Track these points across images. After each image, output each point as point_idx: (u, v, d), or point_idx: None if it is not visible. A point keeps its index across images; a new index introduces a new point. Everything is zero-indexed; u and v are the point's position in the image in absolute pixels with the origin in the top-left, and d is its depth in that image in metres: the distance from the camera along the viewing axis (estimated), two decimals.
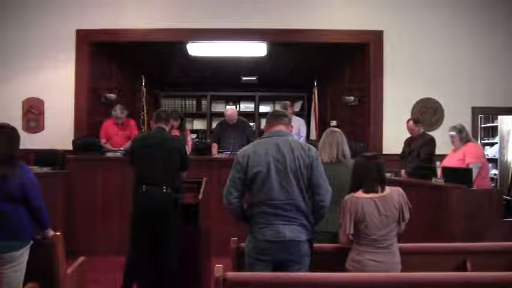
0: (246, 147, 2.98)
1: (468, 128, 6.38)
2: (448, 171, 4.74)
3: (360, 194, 2.86)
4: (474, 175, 4.69)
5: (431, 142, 5.60)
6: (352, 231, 2.81)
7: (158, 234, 3.90)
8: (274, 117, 3.02)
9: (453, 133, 5.11)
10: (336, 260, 2.89)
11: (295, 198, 2.79)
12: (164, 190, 3.87)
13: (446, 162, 5.09)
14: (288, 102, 6.33)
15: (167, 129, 4.18)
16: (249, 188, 2.86)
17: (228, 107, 7.48)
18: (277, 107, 8.32)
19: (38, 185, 3.00)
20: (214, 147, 6.33)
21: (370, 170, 2.87)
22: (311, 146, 2.93)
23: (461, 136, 5.07)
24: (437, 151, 5.76)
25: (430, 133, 5.98)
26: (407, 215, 2.85)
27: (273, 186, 2.79)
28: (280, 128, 2.97)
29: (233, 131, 6.53)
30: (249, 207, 2.90)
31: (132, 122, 6.57)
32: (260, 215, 2.81)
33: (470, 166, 4.76)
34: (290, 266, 2.77)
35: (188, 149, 6.10)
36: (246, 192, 2.91)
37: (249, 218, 2.89)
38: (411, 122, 5.74)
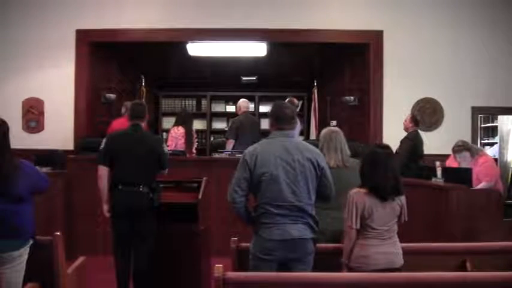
0: (253, 146, 2.93)
1: (468, 128, 6.43)
2: (448, 171, 4.74)
3: (365, 189, 2.87)
4: None
5: (405, 140, 5.61)
6: (358, 226, 2.82)
7: (133, 233, 3.91)
8: (285, 122, 2.92)
9: (465, 154, 4.97)
10: (337, 260, 2.89)
11: (302, 200, 2.81)
12: (140, 189, 3.86)
13: None
14: (294, 100, 6.52)
15: (143, 125, 4.10)
16: (255, 188, 2.84)
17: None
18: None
19: (43, 178, 3.05)
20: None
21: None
22: (319, 151, 2.95)
23: (472, 152, 5.00)
24: (437, 151, 5.77)
25: (430, 133, 5.97)
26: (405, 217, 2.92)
27: (281, 187, 2.78)
28: (290, 129, 2.93)
29: None
30: (254, 209, 2.88)
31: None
32: (266, 215, 2.81)
33: (485, 187, 4.75)
34: (294, 265, 2.78)
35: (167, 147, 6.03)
36: (251, 194, 2.89)
37: (254, 220, 2.88)
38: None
